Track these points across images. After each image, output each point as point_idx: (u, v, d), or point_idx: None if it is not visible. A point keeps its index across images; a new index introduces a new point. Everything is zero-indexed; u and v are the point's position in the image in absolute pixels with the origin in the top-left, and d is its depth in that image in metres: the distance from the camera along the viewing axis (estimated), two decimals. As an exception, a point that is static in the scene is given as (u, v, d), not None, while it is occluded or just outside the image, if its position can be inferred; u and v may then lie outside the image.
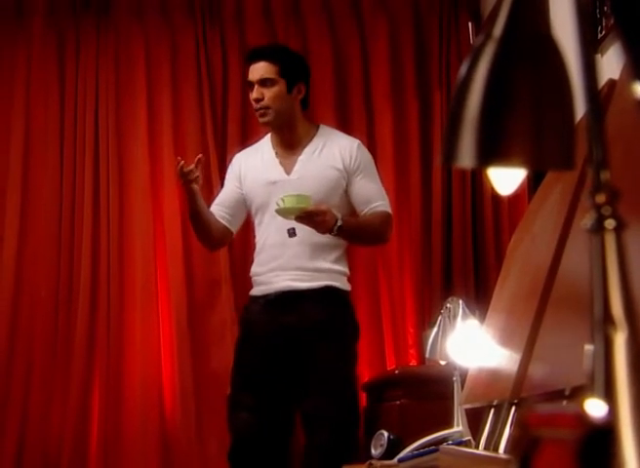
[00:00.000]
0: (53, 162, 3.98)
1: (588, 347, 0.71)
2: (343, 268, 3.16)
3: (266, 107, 3.12)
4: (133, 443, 3.75)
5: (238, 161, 3.30)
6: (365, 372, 3.83)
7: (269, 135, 3.27)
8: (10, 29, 4.06)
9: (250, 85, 3.16)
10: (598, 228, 0.73)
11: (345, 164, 3.15)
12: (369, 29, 4.11)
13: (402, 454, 2.51)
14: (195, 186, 3.02)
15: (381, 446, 2.85)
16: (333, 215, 2.94)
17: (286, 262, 3.08)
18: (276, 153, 3.19)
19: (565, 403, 1.22)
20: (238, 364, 3.14)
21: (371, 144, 4.04)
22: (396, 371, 3.55)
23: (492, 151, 0.77)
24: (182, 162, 2.99)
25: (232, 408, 3.12)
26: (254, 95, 3.12)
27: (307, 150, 3.17)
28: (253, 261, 3.24)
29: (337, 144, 3.19)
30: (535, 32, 0.80)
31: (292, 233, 3.08)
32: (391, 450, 2.75)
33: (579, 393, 1.12)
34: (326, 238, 3.03)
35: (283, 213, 2.93)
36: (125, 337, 3.84)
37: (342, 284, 3.15)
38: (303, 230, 2.99)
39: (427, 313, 3.80)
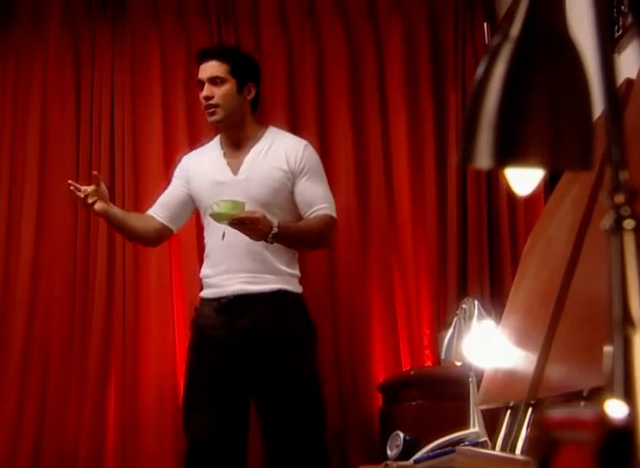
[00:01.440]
0: (69, 163, 4.00)
1: (607, 348, 0.71)
2: (295, 271, 3.14)
3: (216, 105, 3.11)
4: (149, 441, 3.76)
5: (186, 161, 3.31)
6: (380, 373, 3.83)
7: (219, 136, 3.27)
8: (26, 31, 4.08)
9: (200, 84, 3.15)
10: (617, 228, 0.73)
11: (290, 165, 3.12)
12: (384, 30, 4.10)
13: (418, 455, 2.51)
14: (100, 206, 3.00)
15: (397, 446, 2.84)
16: (267, 223, 2.89)
17: (236, 265, 3.05)
18: (224, 153, 3.17)
19: (583, 404, 1.21)
20: (192, 368, 3.11)
21: (385, 145, 4.04)
22: (412, 372, 3.54)
23: (509, 151, 0.77)
24: (75, 188, 2.97)
25: (187, 411, 3.10)
26: (204, 92, 3.11)
27: (254, 150, 3.15)
28: (202, 263, 3.23)
29: (283, 145, 3.16)
30: (552, 32, 0.79)
31: (222, 236, 3.07)
32: (407, 451, 2.74)
33: (596, 394, 1.12)
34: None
35: (216, 217, 2.90)
36: (140, 336, 3.85)
37: (294, 286, 3.12)
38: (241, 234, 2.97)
39: (443, 314, 3.79)
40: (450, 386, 2.95)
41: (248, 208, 2.92)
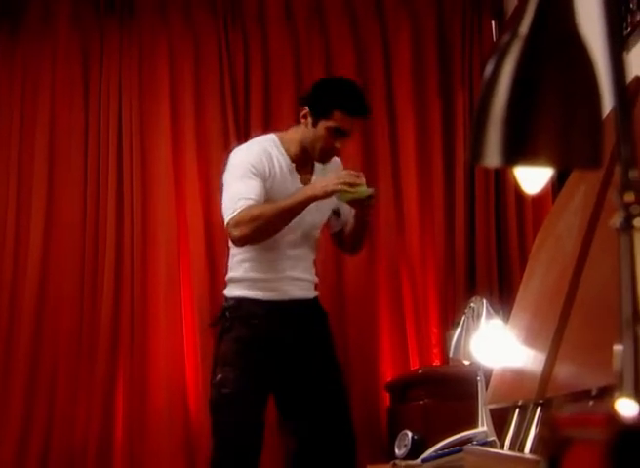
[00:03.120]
0: (77, 160, 4.01)
1: (617, 347, 0.70)
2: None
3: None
4: (157, 440, 3.76)
5: (264, 163, 3.04)
6: (388, 372, 3.83)
7: (275, 138, 3.13)
8: (35, 31, 4.10)
9: (337, 131, 2.99)
10: (627, 227, 0.72)
11: None
12: (391, 28, 4.10)
13: (426, 455, 2.51)
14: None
15: (405, 446, 2.85)
16: None
17: (298, 274, 3.10)
18: (295, 167, 3.10)
19: (591, 403, 1.21)
20: (251, 363, 3.02)
21: (393, 144, 4.04)
22: (420, 371, 3.54)
23: (519, 150, 0.77)
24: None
25: (242, 407, 3.01)
26: (341, 145, 3.03)
27: (317, 171, 3.14)
28: (243, 263, 3.09)
29: (330, 170, 3.16)
30: (561, 29, 0.79)
31: (337, 214, 3.17)
32: (415, 451, 2.74)
33: (605, 394, 1.11)
34: (316, 254, 3.17)
35: (351, 194, 2.88)
36: (149, 334, 3.86)
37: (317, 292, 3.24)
38: (310, 247, 3.12)
39: (451, 313, 3.79)
40: (458, 385, 2.95)
41: (306, 230, 3.09)
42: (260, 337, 3.04)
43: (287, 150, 3.09)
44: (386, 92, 4.07)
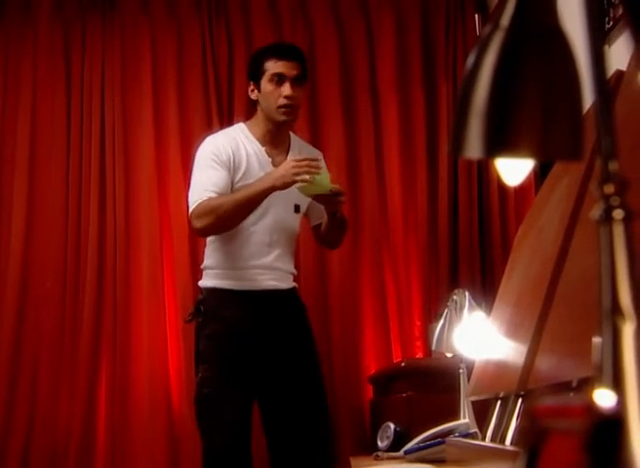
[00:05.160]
0: (60, 154, 3.99)
1: (597, 339, 0.71)
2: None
3: (296, 106, 3.09)
4: (140, 436, 3.75)
5: (228, 151, 3.07)
6: (371, 365, 3.84)
7: (242, 125, 3.20)
8: (16, 23, 4.07)
9: (279, 78, 3.06)
10: (606, 219, 0.73)
11: None
12: (375, 22, 4.10)
13: (408, 446, 2.52)
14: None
15: (388, 438, 2.86)
16: None
17: (270, 263, 3.09)
18: (266, 151, 3.12)
19: (572, 395, 1.22)
20: (226, 360, 3.01)
21: (377, 137, 4.04)
22: (402, 364, 3.55)
23: (499, 142, 0.77)
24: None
25: (216, 404, 2.98)
26: (290, 91, 3.03)
27: (291, 155, 3.13)
28: (216, 251, 3.10)
29: (309, 154, 3.16)
30: (543, 22, 0.79)
31: (297, 209, 3.13)
32: (398, 442, 2.76)
33: (586, 385, 1.12)
34: (294, 244, 3.18)
35: (313, 188, 2.85)
36: (132, 330, 3.85)
37: (295, 283, 3.23)
38: (286, 234, 3.11)
39: (434, 305, 3.80)
40: (440, 378, 2.96)
41: (287, 214, 3.09)
42: (231, 331, 3.02)
43: (254, 134, 3.14)
44: (370, 84, 4.07)
